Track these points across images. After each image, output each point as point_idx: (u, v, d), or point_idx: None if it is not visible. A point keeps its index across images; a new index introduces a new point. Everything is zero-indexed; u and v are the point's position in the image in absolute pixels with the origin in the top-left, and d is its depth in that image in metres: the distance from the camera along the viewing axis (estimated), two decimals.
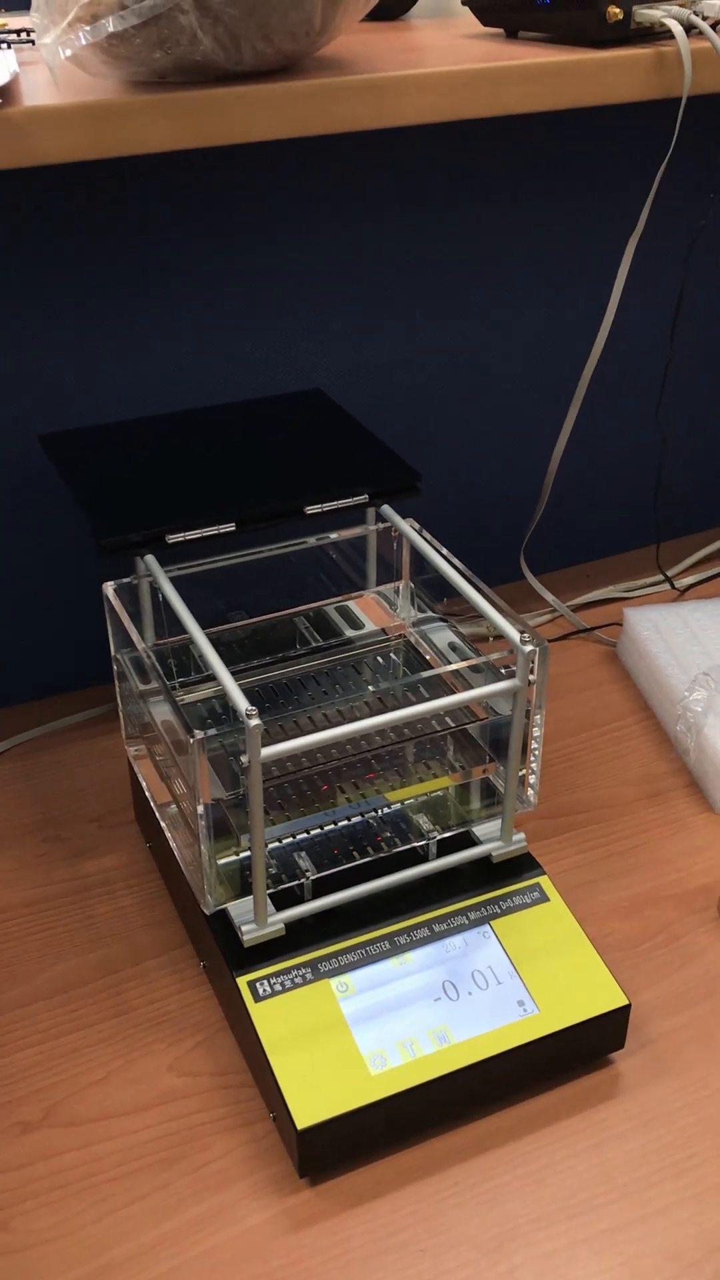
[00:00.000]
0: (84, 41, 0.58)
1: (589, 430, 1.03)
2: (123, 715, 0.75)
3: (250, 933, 0.63)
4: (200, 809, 0.60)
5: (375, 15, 0.89)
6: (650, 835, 0.81)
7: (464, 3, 0.82)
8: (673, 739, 0.88)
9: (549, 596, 1.03)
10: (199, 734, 0.58)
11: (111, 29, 0.58)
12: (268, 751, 0.58)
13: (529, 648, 0.63)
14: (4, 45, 0.74)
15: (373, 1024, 0.62)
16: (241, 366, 0.89)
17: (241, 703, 0.58)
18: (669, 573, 1.08)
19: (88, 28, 0.58)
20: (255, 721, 0.57)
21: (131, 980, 0.71)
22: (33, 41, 0.76)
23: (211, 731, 0.71)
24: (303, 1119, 0.58)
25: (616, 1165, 0.61)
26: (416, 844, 0.68)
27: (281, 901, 0.65)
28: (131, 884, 0.78)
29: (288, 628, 0.79)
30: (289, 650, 0.79)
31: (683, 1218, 0.58)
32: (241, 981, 0.63)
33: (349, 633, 0.80)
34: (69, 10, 0.59)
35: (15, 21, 0.85)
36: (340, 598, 0.80)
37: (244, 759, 0.58)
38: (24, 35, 0.78)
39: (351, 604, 0.80)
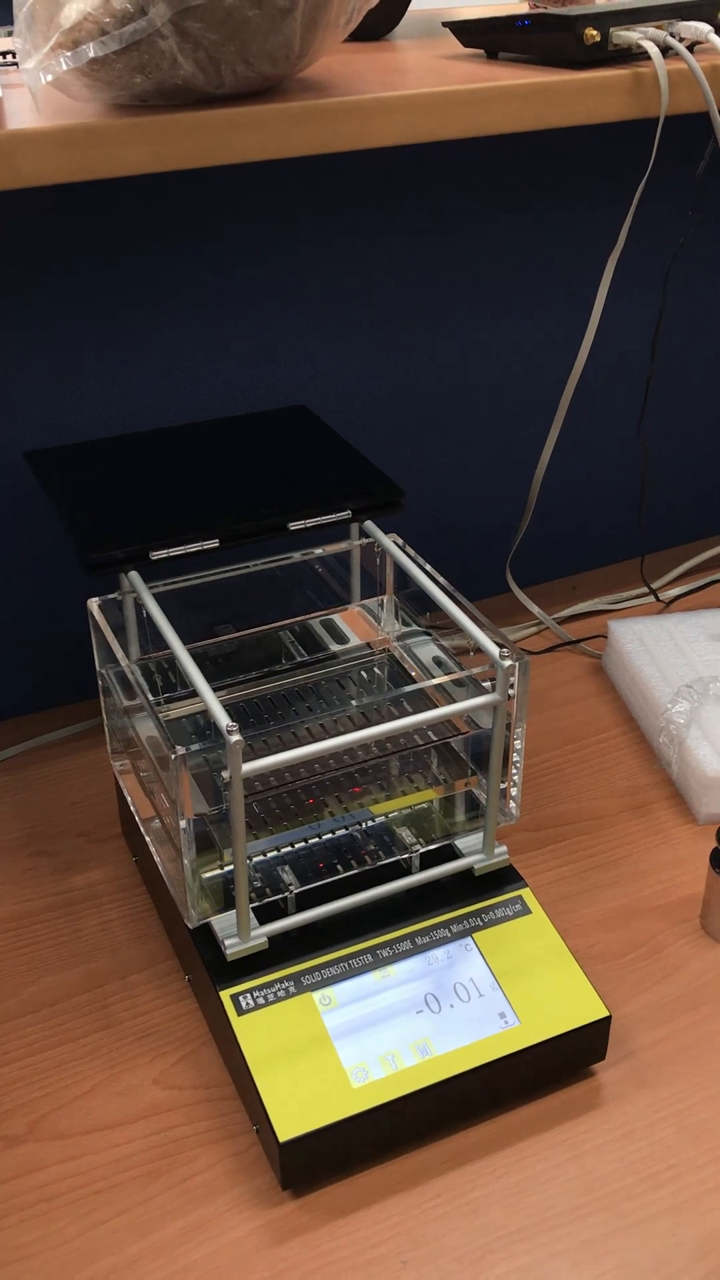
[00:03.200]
0: (65, 67, 0.59)
1: (573, 445, 1.03)
2: (108, 730, 0.76)
3: (233, 946, 0.64)
4: (183, 824, 0.61)
5: (358, 36, 0.90)
6: (634, 847, 0.81)
7: (445, 24, 0.83)
8: (656, 751, 0.89)
9: (534, 609, 1.04)
10: (180, 750, 0.59)
11: (93, 54, 0.59)
12: (249, 767, 0.59)
13: (508, 662, 0.63)
14: None
15: (355, 1037, 0.62)
16: (226, 383, 0.89)
17: (223, 718, 0.58)
18: (653, 585, 1.09)
19: (69, 53, 0.59)
20: (236, 737, 0.57)
21: (117, 994, 0.71)
22: (15, 64, 0.77)
23: (194, 747, 0.72)
24: (285, 1132, 0.58)
25: (597, 1177, 0.61)
26: (399, 857, 0.69)
27: (265, 915, 0.66)
28: (118, 898, 0.78)
29: (272, 642, 0.80)
30: (273, 665, 0.79)
31: (662, 1229, 0.59)
32: (225, 995, 0.63)
33: (333, 647, 0.80)
34: (50, 36, 0.59)
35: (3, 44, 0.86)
36: (324, 612, 0.81)
37: (225, 774, 0.59)
38: (8, 58, 0.78)
39: (336, 618, 0.81)
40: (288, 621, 0.80)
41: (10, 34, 0.90)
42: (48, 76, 0.59)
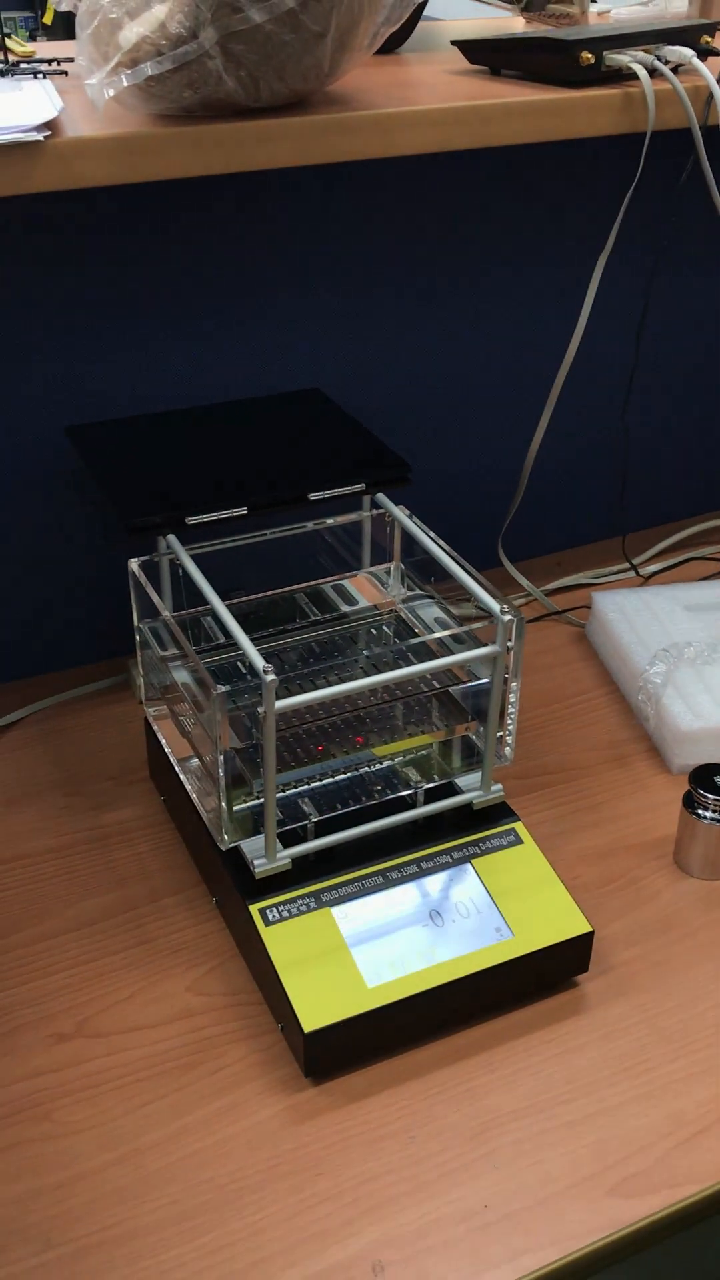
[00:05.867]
0: (126, 83, 0.66)
1: (561, 430, 1.11)
2: (143, 680, 0.83)
3: (261, 866, 0.72)
4: (220, 756, 0.69)
5: None
6: (614, 793, 0.90)
7: (454, 42, 0.91)
8: (634, 709, 0.97)
9: (524, 582, 1.12)
10: (220, 689, 0.67)
11: (150, 72, 0.66)
12: (282, 704, 0.67)
13: (507, 617, 0.71)
14: (40, 75, 0.82)
15: (369, 945, 0.70)
16: (247, 367, 0.97)
17: (259, 660, 0.66)
18: (634, 561, 1.18)
19: (129, 71, 0.67)
20: (271, 677, 0.65)
21: (150, 915, 0.79)
22: (65, 72, 0.84)
23: (230, 688, 0.79)
24: (309, 1024, 0.67)
25: (579, 1069, 0.70)
26: (405, 793, 0.77)
27: (287, 841, 0.74)
28: (147, 833, 0.86)
29: (289, 604, 0.88)
30: (290, 623, 0.87)
31: (637, 1110, 0.67)
32: (254, 909, 0.71)
33: (344, 608, 0.88)
34: (111, 56, 0.67)
35: (43, 49, 0.93)
36: (337, 576, 0.89)
37: (261, 710, 0.67)
38: (55, 64, 0.86)
39: (347, 583, 0.89)
40: (303, 585, 0.88)
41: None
42: (110, 92, 0.66)
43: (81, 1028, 0.72)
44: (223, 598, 0.73)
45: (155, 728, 0.83)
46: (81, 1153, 0.65)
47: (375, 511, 0.86)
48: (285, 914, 0.71)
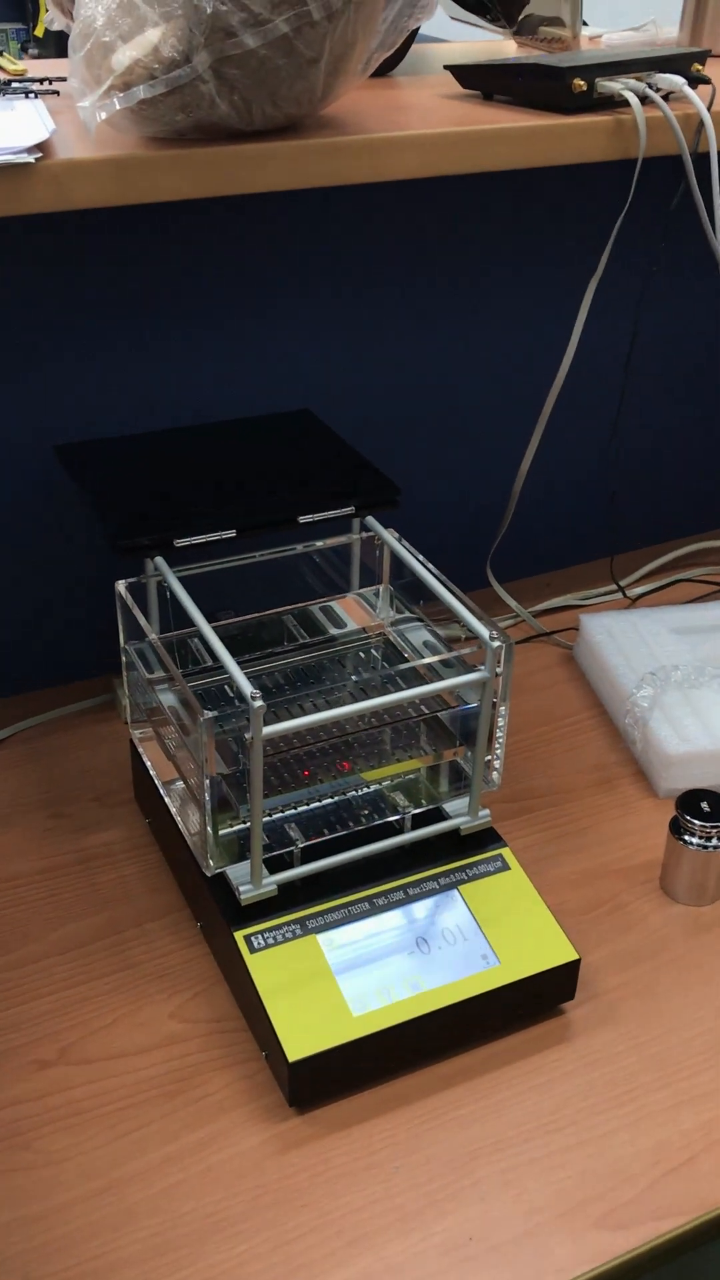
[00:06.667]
0: (118, 106, 0.66)
1: (551, 452, 1.12)
2: (129, 702, 0.83)
3: (247, 892, 0.71)
4: (206, 781, 0.68)
5: None
6: (600, 817, 0.90)
7: (446, 67, 0.91)
8: (621, 732, 0.97)
9: (512, 603, 1.12)
10: (207, 714, 0.66)
11: (142, 95, 0.66)
12: (269, 730, 0.66)
13: (497, 644, 0.71)
14: (31, 95, 0.82)
15: (355, 973, 0.70)
16: (237, 388, 0.97)
17: (246, 686, 0.66)
18: (622, 583, 1.18)
19: (121, 94, 0.66)
20: (259, 703, 0.65)
21: (134, 939, 0.79)
22: (56, 92, 0.84)
23: (217, 713, 0.79)
24: (294, 1053, 0.66)
25: (566, 1098, 0.69)
26: (393, 818, 0.77)
27: (273, 867, 0.73)
28: (132, 855, 0.85)
29: (277, 626, 0.88)
30: (278, 646, 0.87)
31: (623, 1140, 0.67)
32: (239, 935, 0.71)
33: (333, 631, 0.88)
34: (103, 79, 0.67)
35: (34, 67, 0.93)
36: (325, 599, 0.89)
37: (248, 736, 0.66)
38: (47, 84, 0.85)
39: (335, 605, 0.89)
40: (291, 607, 0.88)
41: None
42: (102, 115, 0.66)
43: (64, 1054, 0.71)
44: (210, 618, 0.73)
45: (140, 750, 0.83)
46: (62, 1183, 0.64)
47: (364, 534, 0.86)
48: (270, 941, 0.71)
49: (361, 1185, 0.65)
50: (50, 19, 0.83)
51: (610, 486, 1.17)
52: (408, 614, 0.86)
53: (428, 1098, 0.69)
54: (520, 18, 1.03)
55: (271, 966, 0.69)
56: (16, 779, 0.93)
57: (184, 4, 0.65)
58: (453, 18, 1.09)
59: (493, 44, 1.16)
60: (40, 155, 0.68)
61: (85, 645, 1.02)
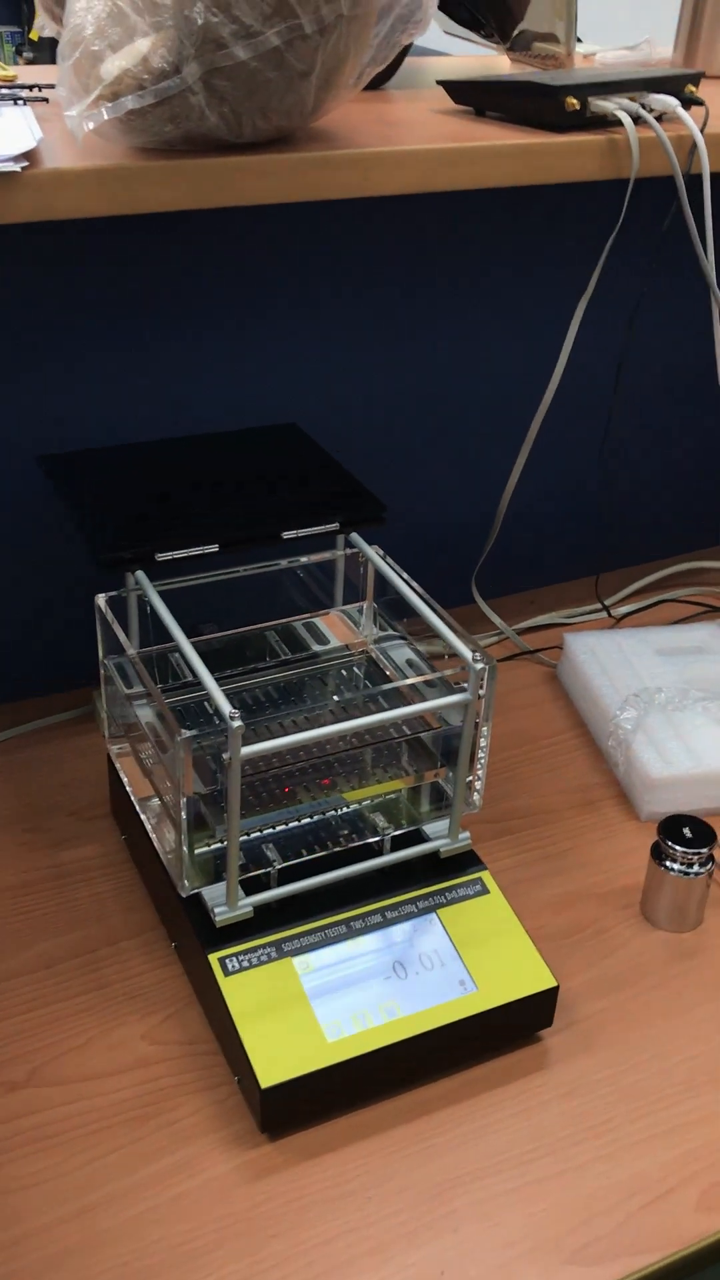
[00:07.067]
0: (106, 116, 0.65)
1: (538, 469, 1.11)
2: (107, 716, 0.82)
3: (222, 914, 0.70)
4: (183, 800, 0.67)
5: None
6: (581, 839, 0.89)
7: (439, 82, 0.91)
8: (604, 753, 0.96)
9: (496, 620, 1.12)
10: (185, 733, 0.65)
11: (131, 106, 0.65)
12: (248, 750, 0.65)
13: (480, 665, 0.71)
14: (19, 101, 0.81)
15: (330, 998, 0.69)
16: (223, 400, 0.96)
17: (225, 705, 0.65)
18: (606, 602, 1.17)
19: (110, 104, 0.66)
20: (238, 723, 0.64)
21: (108, 959, 0.78)
22: (45, 99, 0.83)
23: (195, 732, 0.78)
24: (266, 1079, 0.65)
25: (543, 1127, 0.69)
26: (372, 840, 0.76)
27: (250, 888, 0.72)
28: (107, 872, 0.84)
29: (259, 641, 0.87)
30: (259, 662, 0.86)
31: (600, 1171, 0.66)
32: (213, 958, 0.69)
33: (315, 647, 0.87)
34: (92, 88, 0.66)
35: (24, 73, 0.92)
36: (308, 615, 0.88)
37: (226, 756, 0.65)
38: (36, 90, 0.84)
39: (318, 621, 0.88)
40: (273, 623, 0.87)
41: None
42: (90, 125, 0.65)
43: (33, 1076, 0.70)
44: (192, 632, 0.72)
45: (117, 765, 0.82)
46: (30, 1209, 0.63)
47: (349, 551, 0.85)
48: (245, 964, 0.70)
49: (334, 1215, 0.64)
50: (41, 25, 0.82)
51: (597, 504, 1.16)
52: (391, 631, 0.85)
53: (402, 1125, 0.68)
54: (514, 33, 1.03)
55: (245, 990, 0.68)
56: None
57: (175, 15, 0.64)
58: (446, 32, 1.09)
59: (486, 59, 1.16)
60: (26, 165, 0.67)
61: (66, 656, 1.01)
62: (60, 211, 0.69)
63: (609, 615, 1.16)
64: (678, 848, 0.79)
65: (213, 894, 0.71)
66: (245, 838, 0.73)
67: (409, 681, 0.80)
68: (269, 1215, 0.64)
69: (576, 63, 1.04)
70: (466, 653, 0.71)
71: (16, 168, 0.66)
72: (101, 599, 0.78)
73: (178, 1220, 0.63)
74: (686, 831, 0.80)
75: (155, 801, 0.76)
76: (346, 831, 0.76)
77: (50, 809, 0.90)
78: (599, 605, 1.16)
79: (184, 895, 0.71)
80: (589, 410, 1.11)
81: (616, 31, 1.29)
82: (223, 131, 0.70)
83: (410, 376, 1.03)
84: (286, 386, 0.98)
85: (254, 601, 0.86)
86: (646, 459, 1.19)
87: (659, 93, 0.86)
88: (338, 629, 0.88)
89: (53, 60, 0.70)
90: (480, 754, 0.75)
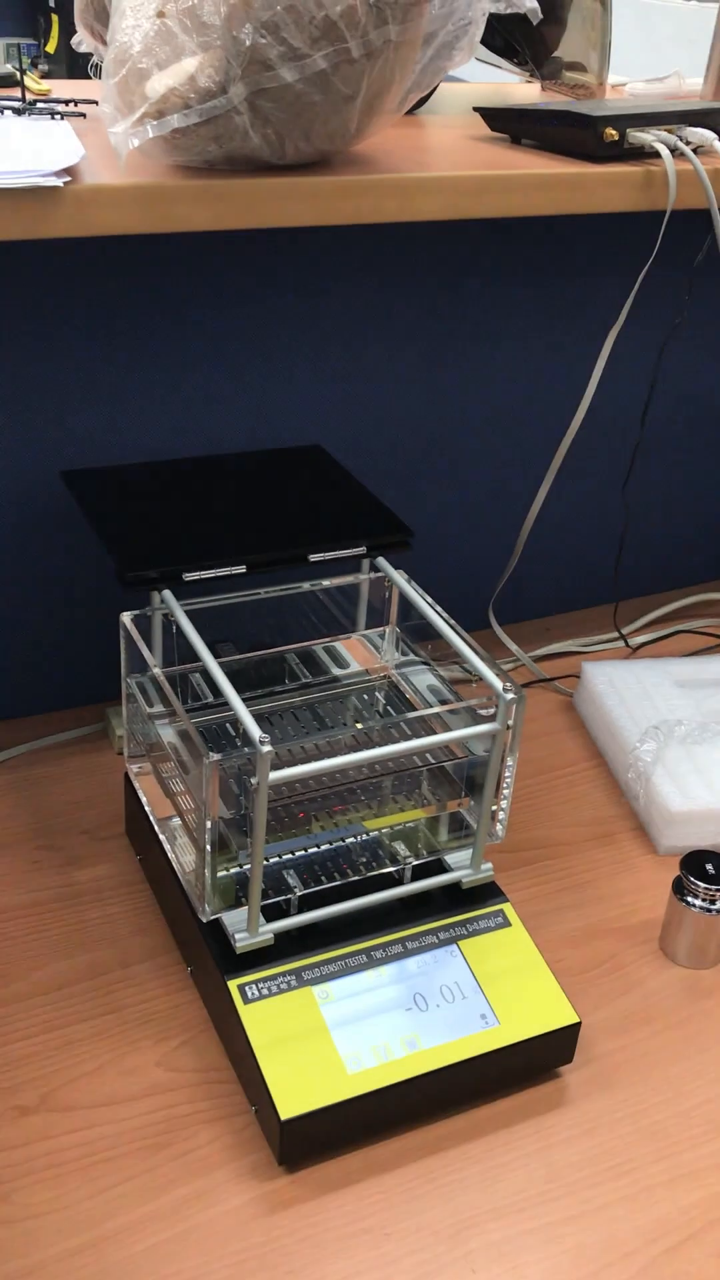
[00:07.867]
0: (151, 134, 0.65)
1: (561, 498, 1.11)
2: (128, 735, 0.81)
3: (243, 941, 0.69)
4: (207, 824, 0.66)
5: None
6: (599, 872, 0.88)
7: (476, 109, 0.91)
8: (623, 786, 0.96)
9: (513, 647, 1.11)
10: (213, 756, 0.65)
11: (176, 124, 0.65)
12: (275, 775, 0.65)
13: (510, 696, 0.70)
14: (57, 116, 0.81)
15: (350, 1029, 0.68)
16: (248, 420, 0.95)
17: (255, 730, 0.64)
18: (624, 631, 1.17)
19: (155, 121, 0.65)
20: (267, 748, 0.63)
21: (121, 982, 0.77)
22: (84, 114, 0.83)
23: (222, 755, 0.77)
24: (286, 1110, 0.64)
25: (563, 1167, 0.68)
26: (393, 869, 0.75)
27: (270, 914, 0.71)
28: (120, 893, 0.83)
29: (279, 663, 0.86)
30: (280, 684, 0.85)
31: (620, 1214, 0.65)
32: (233, 985, 0.68)
33: (336, 671, 0.86)
34: (137, 105, 0.66)
35: (58, 88, 0.92)
36: (330, 638, 0.87)
37: (253, 781, 0.65)
38: (73, 105, 0.84)
39: (339, 645, 0.87)
40: (295, 645, 0.86)
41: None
42: (134, 142, 0.65)
43: (46, 1101, 0.69)
44: (211, 652, 0.71)
45: (136, 785, 0.81)
46: (41, 1239, 0.62)
47: (373, 575, 0.85)
48: (265, 992, 0.69)
49: (351, 1251, 0.63)
50: (78, 40, 0.82)
51: (618, 535, 1.16)
52: (413, 656, 0.85)
53: (420, 1160, 0.67)
54: (546, 61, 1.03)
55: (265, 1019, 0.67)
56: (4, 808, 0.90)
57: (223, 35, 0.64)
58: (477, 59, 1.09)
59: (516, 86, 1.16)
60: (69, 179, 0.67)
61: (78, 673, 1.00)
62: (98, 228, 0.69)
63: (626, 644, 1.15)
64: (700, 884, 0.78)
65: (233, 919, 0.70)
66: (266, 863, 0.72)
67: (435, 710, 0.79)
68: (285, 1250, 0.62)
69: (607, 93, 1.05)
70: (496, 683, 0.70)
71: (59, 182, 0.65)
72: (127, 617, 0.77)
73: (191, 1254, 0.62)
74: (709, 867, 0.79)
75: (175, 822, 0.75)
76: (366, 859, 0.75)
77: (62, 827, 0.89)
78: (615, 634, 1.16)
79: (204, 920, 0.70)
80: (614, 439, 1.11)
81: (636, 58, 1.29)
82: (265, 153, 0.70)
83: (435, 407, 1.02)
84: (307, 410, 0.97)
85: (275, 623, 0.86)
86: (667, 489, 1.19)
87: (696, 126, 0.86)
88: (359, 653, 0.87)
89: (70, 75, 0.70)
90: (505, 784, 0.74)
